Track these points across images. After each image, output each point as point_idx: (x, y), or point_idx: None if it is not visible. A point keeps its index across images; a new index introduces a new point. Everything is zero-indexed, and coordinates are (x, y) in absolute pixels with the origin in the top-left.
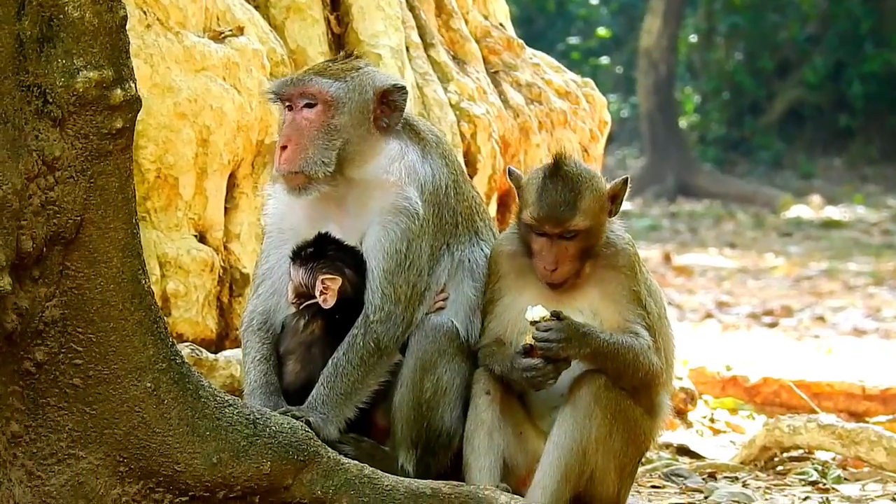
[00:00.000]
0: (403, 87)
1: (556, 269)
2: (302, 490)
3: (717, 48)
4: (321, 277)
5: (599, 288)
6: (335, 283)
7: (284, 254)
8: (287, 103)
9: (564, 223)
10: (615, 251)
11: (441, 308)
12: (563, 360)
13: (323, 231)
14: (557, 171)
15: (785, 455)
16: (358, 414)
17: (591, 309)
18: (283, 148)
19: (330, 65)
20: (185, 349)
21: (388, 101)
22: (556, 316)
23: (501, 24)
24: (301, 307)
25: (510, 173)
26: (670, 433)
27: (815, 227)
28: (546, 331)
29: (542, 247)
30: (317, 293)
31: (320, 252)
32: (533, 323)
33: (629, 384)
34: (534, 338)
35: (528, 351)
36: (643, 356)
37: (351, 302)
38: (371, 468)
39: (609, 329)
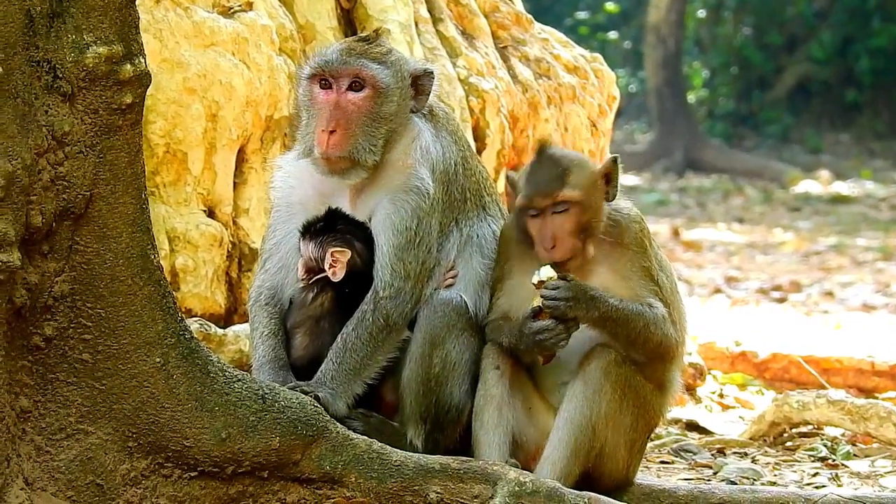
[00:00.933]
0: (433, 73)
1: (555, 247)
2: (311, 465)
3: (725, 23)
4: (331, 250)
5: (608, 266)
6: (344, 255)
7: (292, 228)
8: (324, 82)
9: (553, 194)
10: (621, 228)
11: (450, 286)
12: (572, 321)
13: (332, 206)
14: (542, 152)
15: (794, 431)
16: (367, 389)
17: (602, 288)
18: (331, 132)
19: (367, 46)
20: (193, 324)
21: (418, 85)
22: (564, 278)
23: None
24: (310, 282)
25: (508, 179)
26: (679, 409)
27: (823, 202)
28: (554, 289)
29: (538, 228)
30: (326, 266)
31: (330, 226)
32: (540, 283)
33: (642, 354)
34: (542, 296)
35: (537, 313)
36: (655, 326)
37: (360, 276)
38: (380, 443)
39: None
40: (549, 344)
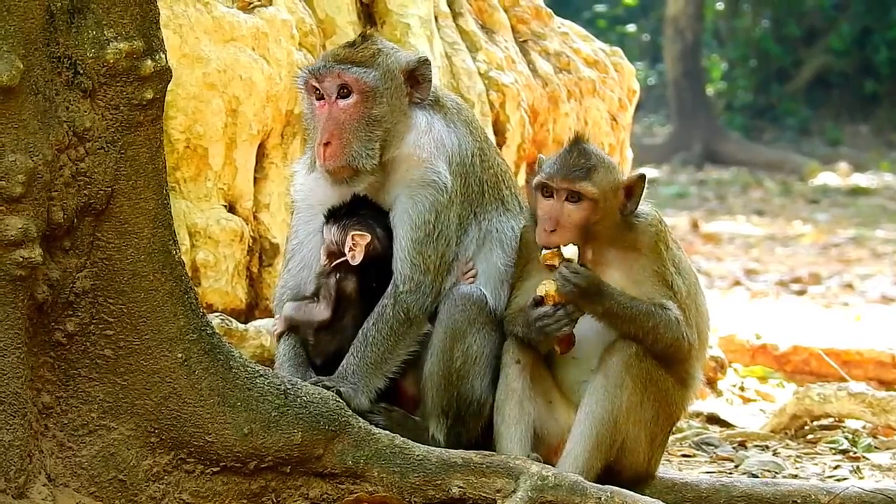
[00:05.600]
0: (427, 60)
1: (555, 231)
2: (333, 460)
3: (744, 15)
4: (351, 233)
5: (623, 272)
6: (364, 239)
7: (313, 228)
8: (317, 93)
9: (574, 182)
10: (637, 233)
11: (470, 283)
12: (576, 309)
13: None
14: (578, 143)
15: (815, 423)
16: (388, 383)
17: None
18: (326, 144)
19: (353, 51)
20: (214, 319)
21: (416, 76)
22: (583, 265)
23: None
24: (332, 266)
25: (538, 161)
26: (700, 402)
27: (842, 193)
28: (574, 272)
29: (547, 210)
30: (346, 249)
31: (353, 211)
32: (552, 256)
33: (655, 353)
34: (560, 273)
35: (539, 302)
36: (666, 327)
37: (383, 269)
38: (402, 438)
39: None
40: (550, 330)
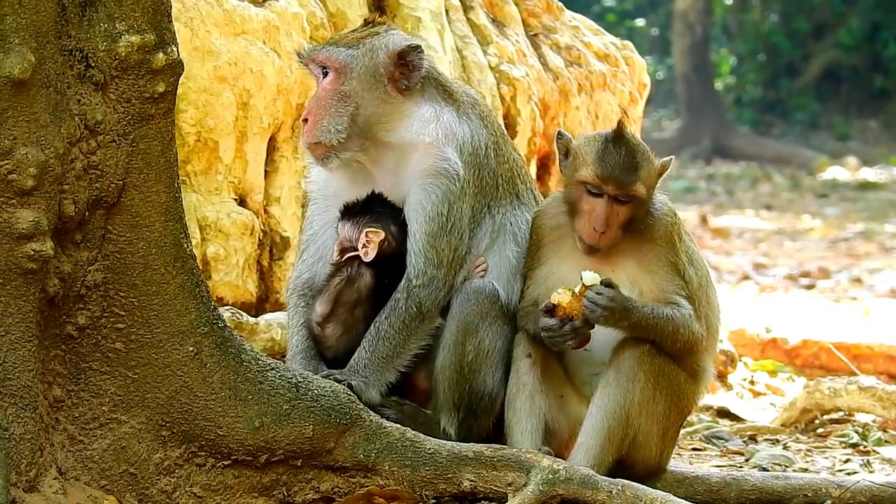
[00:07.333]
0: (418, 47)
1: (605, 233)
2: (344, 454)
3: (753, 10)
4: (365, 230)
5: (637, 259)
6: (378, 236)
7: (329, 219)
8: (315, 76)
9: (626, 186)
10: (651, 222)
11: (481, 277)
12: (586, 326)
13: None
14: (620, 136)
15: (825, 417)
16: (399, 377)
17: (630, 280)
18: (305, 121)
19: (349, 34)
20: (225, 313)
21: (406, 61)
22: (608, 284)
23: None
24: (344, 260)
25: (560, 136)
26: (710, 395)
27: (851, 188)
28: (598, 294)
29: (595, 208)
30: (359, 246)
31: (368, 208)
32: (587, 287)
33: (668, 351)
34: (585, 297)
35: (551, 310)
36: (683, 327)
37: (397, 264)
38: (413, 431)
39: (649, 299)
40: (554, 343)
